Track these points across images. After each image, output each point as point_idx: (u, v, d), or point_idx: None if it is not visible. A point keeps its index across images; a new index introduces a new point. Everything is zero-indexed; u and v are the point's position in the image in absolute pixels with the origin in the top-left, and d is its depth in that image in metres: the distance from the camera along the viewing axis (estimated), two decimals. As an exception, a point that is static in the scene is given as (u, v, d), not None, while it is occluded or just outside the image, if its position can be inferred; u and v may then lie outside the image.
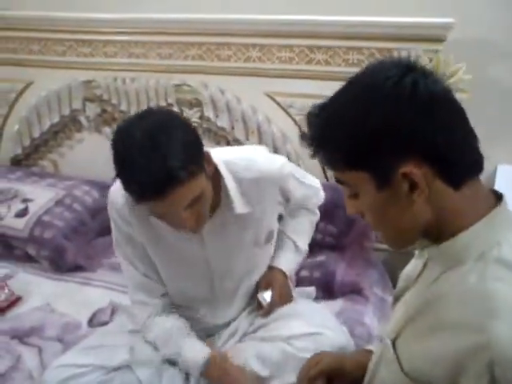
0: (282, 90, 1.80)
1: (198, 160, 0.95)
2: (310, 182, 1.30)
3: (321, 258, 1.59)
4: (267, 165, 1.14)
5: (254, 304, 1.29)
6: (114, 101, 2.04)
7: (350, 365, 0.95)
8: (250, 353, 1.17)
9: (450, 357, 0.59)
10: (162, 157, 0.87)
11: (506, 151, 1.65)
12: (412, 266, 0.82)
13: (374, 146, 0.62)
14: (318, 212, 1.37)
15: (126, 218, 1.11)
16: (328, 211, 1.51)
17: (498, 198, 0.67)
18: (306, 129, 0.68)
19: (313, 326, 1.16)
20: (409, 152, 0.61)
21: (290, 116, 1.82)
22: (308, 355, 1.02)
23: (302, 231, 1.35)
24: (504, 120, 1.65)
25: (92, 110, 2.08)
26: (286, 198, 1.25)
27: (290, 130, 1.82)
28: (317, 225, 1.41)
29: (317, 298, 1.49)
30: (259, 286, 1.27)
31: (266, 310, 1.23)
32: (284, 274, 1.29)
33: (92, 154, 2.14)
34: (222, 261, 1.18)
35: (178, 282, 1.21)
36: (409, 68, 0.63)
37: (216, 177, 1.06)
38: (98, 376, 1.15)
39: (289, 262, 1.30)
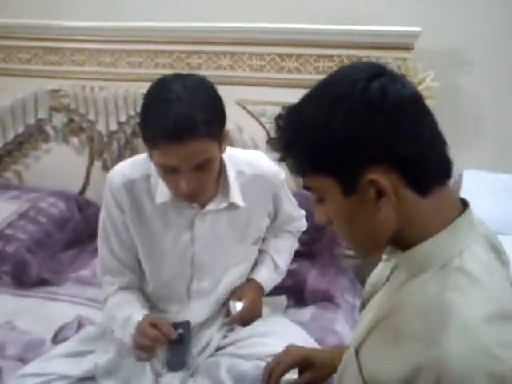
0: (253, 98, 1.79)
1: (218, 125, 0.99)
2: (296, 204, 1.36)
3: (292, 265, 1.57)
4: (267, 166, 1.21)
5: (224, 317, 1.27)
6: (82, 110, 2.00)
7: (320, 358, 0.96)
8: (223, 368, 1.13)
9: (404, 368, 0.58)
10: (191, 106, 0.92)
11: (472, 156, 1.67)
12: (380, 270, 0.81)
13: (339, 152, 0.61)
14: (297, 242, 1.42)
15: (119, 200, 1.12)
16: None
17: (465, 204, 0.66)
18: (274, 134, 0.68)
19: (286, 344, 1.13)
20: (375, 158, 0.60)
21: (261, 124, 1.81)
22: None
23: (283, 251, 1.37)
24: (470, 126, 1.68)
25: (59, 119, 2.03)
26: (275, 211, 1.29)
27: (261, 138, 1.81)
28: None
29: (288, 306, 1.47)
30: (233, 294, 1.26)
31: (233, 319, 1.22)
32: (260, 288, 1.29)
33: (59, 164, 2.09)
34: (207, 253, 1.17)
35: (157, 275, 1.20)
36: (377, 72, 0.62)
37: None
38: None
39: (266, 277, 1.30)
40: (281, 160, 0.67)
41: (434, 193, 0.63)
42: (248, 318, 1.22)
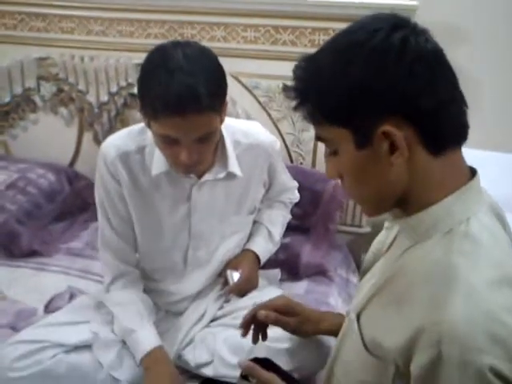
0: (247, 70, 1.77)
1: (221, 97, 0.98)
2: (289, 176, 1.39)
3: (285, 240, 1.58)
4: (263, 136, 1.23)
5: (222, 289, 1.28)
6: (72, 80, 1.95)
7: (307, 312, 0.98)
8: (219, 339, 1.14)
9: (406, 331, 0.58)
10: (194, 78, 0.90)
11: (473, 137, 1.67)
12: (382, 238, 0.82)
13: (355, 102, 0.60)
14: (289, 214, 1.44)
15: (115, 172, 1.11)
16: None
17: (473, 172, 0.66)
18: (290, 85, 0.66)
19: None
20: (392, 110, 0.59)
21: (255, 97, 1.79)
22: (281, 345, 1.04)
23: (276, 222, 1.37)
24: (468, 105, 1.68)
25: (47, 89, 1.98)
26: (270, 180, 1.29)
27: (255, 111, 1.79)
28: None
29: (282, 280, 1.49)
30: (229, 264, 1.26)
31: (230, 289, 1.23)
32: (257, 258, 1.30)
33: (48, 136, 2.05)
34: (203, 224, 1.17)
35: (153, 246, 1.19)
36: (400, 23, 0.61)
37: None
38: (57, 353, 1.09)
39: (262, 248, 1.31)
40: (295, 109, 0.66)
41: (446, 154, 0.62)
42: (245, 288, 1.24)
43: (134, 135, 1.12)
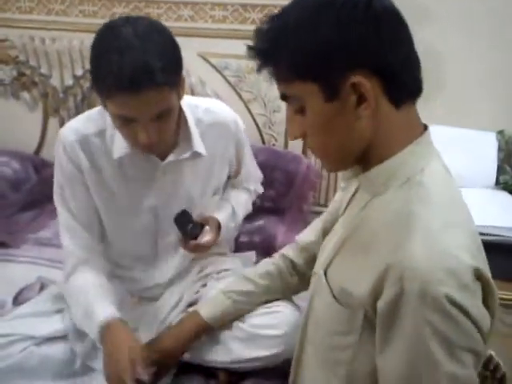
0: (215, 50, 1.73)
1: (176, 72, 0.96)
2: (256, 166, 1.37)
3: (260, 222, 1.58)
4: (225, 113, 1.20)
5: (199, 273, 1.25)
6: (33, 63, 1.88)
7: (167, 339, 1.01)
8: None
9: (372, 274, 0.62)
10: (146, 54, 0.88)
11: (431, 110, 1.69)
12: (338, 197, 0.86)
13: (324, 55, 0.62)
14: (251, 205, 1.39)
15: (74, 157, 1.07)
16: (266, 175, 1.49)
17: (425, 127, 0.70)
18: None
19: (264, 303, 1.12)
20: (359, 63, 0.62)
21: (224, 78, 1.76)
22: (263, 331, 1.05)
23: (240, 202, 1.34)
24: (432, 81, 1.69)
25: (7, 72, 1.90)
26: (238, 163, 1.27)
27: (225, 92, 1.77)
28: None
29: (257, 263, 1.47)
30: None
31: (193, 245, 1.13)
32: (219, 226, 1.22)
33: (10, 122, 1.98)
34: (170, 208, 1.14)
35: (121, 233, 1.16)
36: None
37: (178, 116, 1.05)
38: (27, 346, 1.06)
39: (225, 220, 1.25)
40: (260, 69, 0.67)
41: (405, 107, 0.66)
42: (210, 244, 1.16)
43: (93, 118, 1.08)
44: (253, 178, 1.38)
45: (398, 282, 0.59)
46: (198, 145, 1.11)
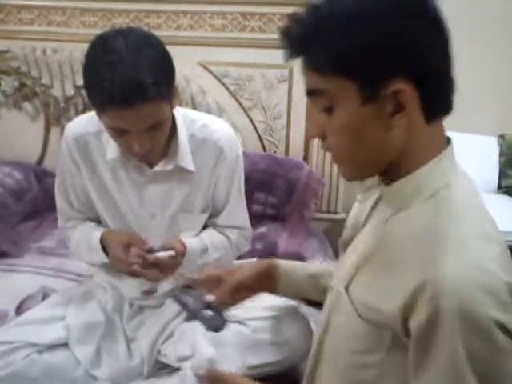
0: (215, 59, 1.74)
1: (169, 84, 0.96)
2: (247, 214, 1.24)
3: (262, 229, 1.57)
4: (221, 133, 1.13)
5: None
6: (34, 73, 1.89)
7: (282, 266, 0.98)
8: (199, 333, 1.11)
9: (401, 293, 0.58)
10: (138, 69, 0.88)
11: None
12: (356, 211, 0.80)
13: (375, 52, 0.56)
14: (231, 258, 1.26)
15: (73, 154, 1.12)
16: (267, 182, 1.50)
17: (448, 141, 0.67)
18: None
19: (267, 308, 1.13)
20: (404, 68, 0.56)
21: (224, 86, 1.77)
22: (263, 336, 1.04)
23: (215, 244, 1.20)
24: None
25: (9, 83, 1.91)
26: (225, 190, 1.17)
27: (225, 100, 1.77)
28: (257, 197, 1.38)
29: (259, 270, 1.47)
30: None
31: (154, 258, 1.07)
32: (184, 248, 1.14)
33: (11, 132, 1.98)
34: (156, 220, 1.15)
35: (120, 225, 1.19)
36: None
37: (171, 126, 1.05)
38: (29, 354, 1.06)
39: (193, 248, 1.15)
40: (291, 57, 0.60)
41: (436, 123, 0.62)
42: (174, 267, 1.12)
43: (96, 119, 1.09)
44: (237, 222, 1.22)
45: (431, 302, 0.55)
46: (185, 159, 1.09)
